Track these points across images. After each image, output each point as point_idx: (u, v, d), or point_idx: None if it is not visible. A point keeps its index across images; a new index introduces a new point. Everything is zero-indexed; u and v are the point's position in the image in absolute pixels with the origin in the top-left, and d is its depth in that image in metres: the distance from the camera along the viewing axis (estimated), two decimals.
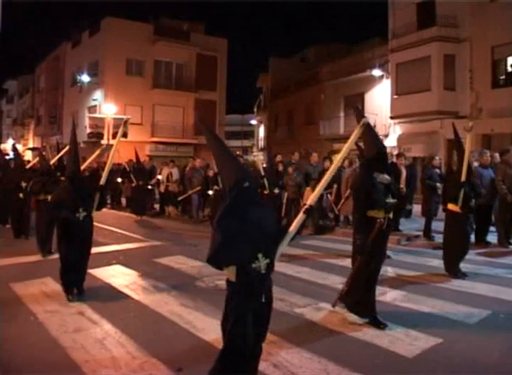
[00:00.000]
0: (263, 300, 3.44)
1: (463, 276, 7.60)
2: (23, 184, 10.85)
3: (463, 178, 7.51)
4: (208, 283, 7.15)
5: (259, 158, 14.88)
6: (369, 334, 5.02)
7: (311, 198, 3.87)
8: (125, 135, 29.75)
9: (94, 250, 9.60)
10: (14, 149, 14.84)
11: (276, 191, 12.28)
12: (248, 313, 3.38)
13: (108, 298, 6.45)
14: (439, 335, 4.95)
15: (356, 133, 4.47)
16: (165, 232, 13.00)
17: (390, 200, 5.38)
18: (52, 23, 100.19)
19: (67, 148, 11.59)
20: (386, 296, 6.55)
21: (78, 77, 35.29)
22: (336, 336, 5.03)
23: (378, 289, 6.92)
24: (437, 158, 11.48)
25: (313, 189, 11.68)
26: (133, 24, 33.94)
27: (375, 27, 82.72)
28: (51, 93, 44.73)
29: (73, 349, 4.58)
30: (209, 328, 5.17)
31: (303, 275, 7.78)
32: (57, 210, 6.37)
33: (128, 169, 17.34)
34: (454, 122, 9.00)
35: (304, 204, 3.81)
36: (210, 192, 14.90)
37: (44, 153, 13.55)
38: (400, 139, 25.14)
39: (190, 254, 9.49)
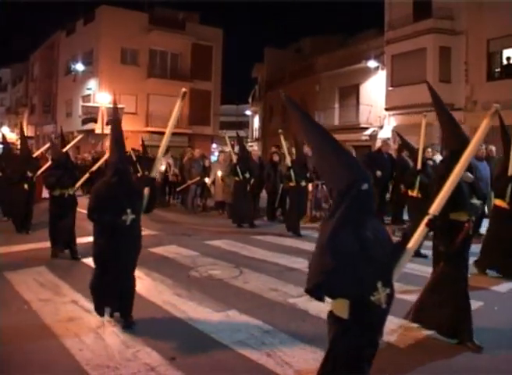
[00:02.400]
0: (379, 341, 2.85)
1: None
2: (29, 174, 10.28)
3: (510, 172, 7.03)
4: (201, 273, 7.17)
5: (254, 149, 14.71)
6: None
7: (433, 207, 3.24)
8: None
9: (88, 239, 9.65)
10: (3, 138, 14.87)
11: (303, 183, 11.39)
12: (364, 359, 2.86)
13: None
14: None
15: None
16: (159, 222, 12.97)
17: (475, 201, 4.82)
18: (47, 11, 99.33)
19: (79, 137, 11.25)
20: None
21: (72, 66, 35.09)
22: None
23: None
24: (429, 149, 11.47)
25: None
26: (127, 13, 33.71)
27: (370, 19, 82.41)
28: (45, 82, 44.43)
29: (67, 338, 4.59)
30: (203, 317, 5.20)
31: (296, 265, 7.79)
32: (97, 214, 4.78)
33: (134, 158, 16.33)
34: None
35: (427, 214, 3.16)
36: (206, 180, 14.90)
37: (54, 141, 12.93)
38: (394, 131, 25.11)
39: (184, 244, 9.50)
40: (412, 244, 2.92)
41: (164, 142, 5.15)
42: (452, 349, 4.48)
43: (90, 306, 5.49)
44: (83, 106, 32.20)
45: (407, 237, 2.96)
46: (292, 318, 5.29)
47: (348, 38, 35.86)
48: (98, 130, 30.01)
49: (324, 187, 12.60)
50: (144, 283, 6.63)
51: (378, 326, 2.80)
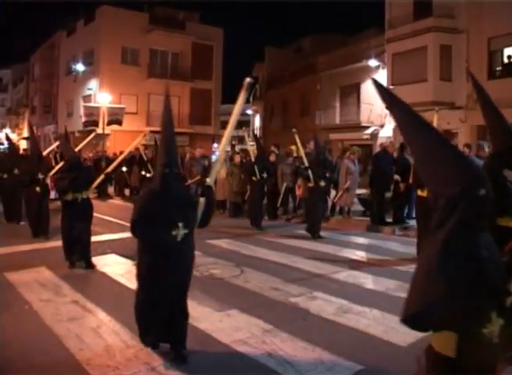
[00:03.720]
0: None
1: None
2: (40, 176, 9.70)
3: None
4: (202, 272, 7.15)
5: (254, 148, 14.60)
6: (363, 323, 5.04)
7: None
8: (120, 124, 29.64)
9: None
10: (7, 138, 14.31)
11: (322, 183, 10.63)
12: None
13: (103, 286, 6.46)
14: None
15: None
16: None
17: None
18: (47, 12, 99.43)
19: (93, 135, 10.10)
20: (380, 285, 6.57)
21: (73, 66, 35.11)
22: (331, 325, 5.05)
23: (370, 277, 6.97)
24: None
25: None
26: (128, 13, 33.71)
27: (371, 17, 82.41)
28: (45, 82, 44.43)
29: (68, 338, 4.58)
30: (203, 317, 5.19)
31: (297, 264, 7.79)
32: (142, 228, 4.10)
33: (145, 157, 16.06)
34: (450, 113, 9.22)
35: None
36: (208, 180, 14.86)
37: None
38: (395, 129, 25.08)
39: None
40: None
41: (225, 140, 4.56)
42: None
43: (91, 306, 5.51)
44: (83, 106, 32.21)
45: None
46: (293, 317, 5.28)
47: (349, 37, 35.81)
48: (99, 130, 29.98)
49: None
50: None
51: (490, 364, 2.28)
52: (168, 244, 4.04)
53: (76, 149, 8.51)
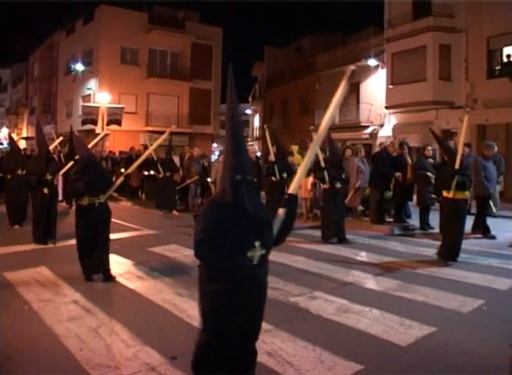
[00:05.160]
0: None
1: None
2: (48, 177, 9.08)
3: None
4: None
5: (253, 147, 14.52)
6: (363, 323, 5.04)
7: None
8: (119, 124, 29.62)
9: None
10: (10, 138, 14.02)
11: (338, 185, 9.99)
12: None
13: (103, 286, 6.45)
14: (433, 324, 4.97)
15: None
16: (159, 221, 12.97)
17: None
18: (46, 11, 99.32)
19: (104, 132, 9.46)
20: (380, 285, 6.57)
21: (72, 66, 35.07)
22: (331, 325, 5.04)
23: (370, 277, 6.97)
24: (429, 148, 11.44)
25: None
26: (127, 12, 33.70)
27: (370, 17, 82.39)
28: (45, 82, 44.42)
29: (67, 338, 4.57)
30: None
31: (297, 264, 7.79)
32: (209, 250, 3.18)
33: (155, 158, 15.58)
34: (449, 112, 9.23)
35: None
36: (209, 179, 14.85)
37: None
38: (395, 129, 25.13)
39: (184, 243, 9.46)
40: None
41: (321, 135, 3.69)
42: (453, 348, 4.46)
43: (91, 306, 5.50)
44: (83, 106, 32.20)
45: None
46: (293, 317, 5.28)
47: (348, 37, 35.85)
48: (98, 130, 29.95)
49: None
50: (145, 283, 6.63)
51: None
52: (242, 270, 3.18)
53: (89, 146, 7.99)
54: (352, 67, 4.21)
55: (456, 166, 7.79)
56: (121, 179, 7.16)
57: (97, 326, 4.88)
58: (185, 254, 8.43)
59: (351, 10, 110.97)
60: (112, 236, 9.92)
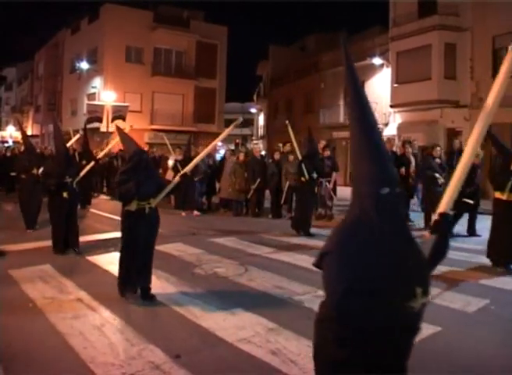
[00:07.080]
0: None
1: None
2: (68, 180, 8.26)
3: None
4: (206, 271, 7.15)
5: (258, 146, 14.44)
6: None
7: None
8: (123, 119, 29.61)
9: (93, 237, 9.65)
10: (24, 136, 12.46)
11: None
12: None
13: (107, 284, 6.44)
14: (438, 323, 4.93)
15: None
16: (164, 220, 12.93)
17: None
18: (51, 10, 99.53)
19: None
20: None
21: (77, 64, 35.17)
22: None
23: None
24: (438, 148, 11.30)
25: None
26: (132, 11, 33.72)
27: (375, 16, 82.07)
28: (50, 80, 44.52)
29: (72, 336, 4.58)
30: (207, 315, 5.18)
31: (302, 263, 7.77)
32: (362, 303, 2.17)
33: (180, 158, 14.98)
34: (454, 111, 9.07)
35: None
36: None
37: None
38: (399, 128, 25.08)
39: (189, 241, 9.49)
40: None
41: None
42: (458, 348, 4.45)
43: (95, 304, 5.50)
44: (87, 104, 32.24)
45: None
46: (297, 316, 5.26)
47: (353, 36, 35.74)
48: (103, 128, 29.99)
49: (327, 184, 12.52)
50: None
51: None
52: (394, 329, 2.21)
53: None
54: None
55: None
56: (177, 179, 6.06)
57: (101, 324, 4.89)
58: (189, 252, 8.44)
59: (356, 9, 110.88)
60: (116, 234, 9.91)
